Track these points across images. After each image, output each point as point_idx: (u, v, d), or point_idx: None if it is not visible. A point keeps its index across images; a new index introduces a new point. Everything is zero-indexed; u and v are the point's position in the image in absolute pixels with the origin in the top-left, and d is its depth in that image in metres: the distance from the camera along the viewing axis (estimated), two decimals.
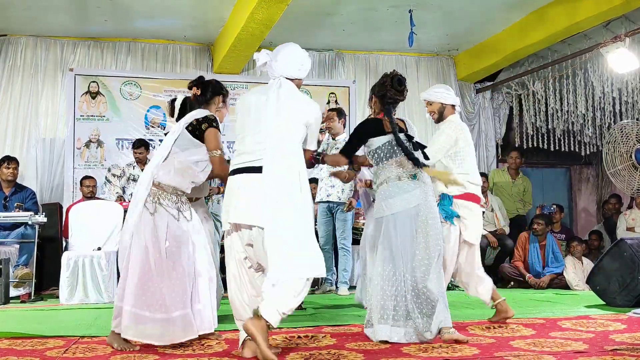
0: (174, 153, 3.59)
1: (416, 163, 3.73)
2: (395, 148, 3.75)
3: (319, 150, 6.05)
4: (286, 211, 3.11)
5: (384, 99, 3.87)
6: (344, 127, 6.33)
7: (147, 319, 3.41)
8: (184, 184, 3.62)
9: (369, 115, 4.20)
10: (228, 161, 3.67)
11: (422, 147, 3.84)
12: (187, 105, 3.98)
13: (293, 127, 3.28)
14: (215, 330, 3.71)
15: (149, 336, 3.42)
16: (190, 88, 3.84)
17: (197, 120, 3.62)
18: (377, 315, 3.63)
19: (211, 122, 3.61)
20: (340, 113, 6.24)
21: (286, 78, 3.41)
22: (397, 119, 3.88)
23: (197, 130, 3.60)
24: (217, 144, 3.58)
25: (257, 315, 3.03)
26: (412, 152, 3.74)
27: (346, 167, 4.26)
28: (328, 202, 6.40)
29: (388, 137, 3.78)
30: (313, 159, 3.69)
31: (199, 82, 3.84)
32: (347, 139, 4.10)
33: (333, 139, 6.23)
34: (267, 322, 3.01)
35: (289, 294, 3.07)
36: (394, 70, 3.97)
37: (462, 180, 4.16)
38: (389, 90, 3.84)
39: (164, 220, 3.53)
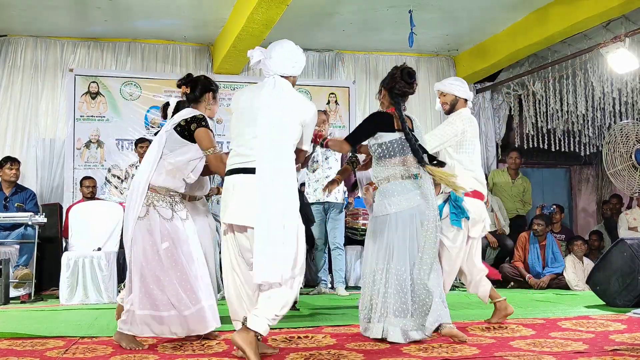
0: (165, 155, 3.59)
1: (421, 162, 3.69)
2: (404, 146, 3.73)
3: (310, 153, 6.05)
4: (275, 213, 3.07)
5: (392, 92, 3.81)
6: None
7: (160, 318, 3.46)
8: (176, 184, 3.63)
9: (379, 109, 4.13)
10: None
11: (424, 150, 3.79)
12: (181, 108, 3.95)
13: (288, 127, 3.22)
14: (215, 330, 3.72)
15: (164, 332, 3.49)
16: (179, 86, 3.82)
17: (185, 120, 3.60)
18: (370, 312, 3.67)
19: (200, 121, 3.59)
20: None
21: (281, 76, 3.33)
22: (405, 116, 3.82)
23: (185, 131, 3.58)
24: (209, 142, 3.56)
25: (244, 326, 3.02)
26: (419, 150, 3.72)
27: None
28: (325, 202, 6.39)
29: (397, 135, 3.75)
30: (317, 144, 3.68)
31: (188, 80, 3.81)
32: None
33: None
34: (255, 332, 3.01)
35: (277, 304, 3.07)
36: (404, 63, 3.90)
37: (464, 182, 4.12)
38: (399, 82, 3.78)
39: (157, 222, 3.53)
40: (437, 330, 3.61)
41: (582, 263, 7.17)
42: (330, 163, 6.41)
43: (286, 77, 3.34)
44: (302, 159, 3.46)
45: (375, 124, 3.85)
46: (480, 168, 4.36)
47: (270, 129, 3.17)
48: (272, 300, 3.07)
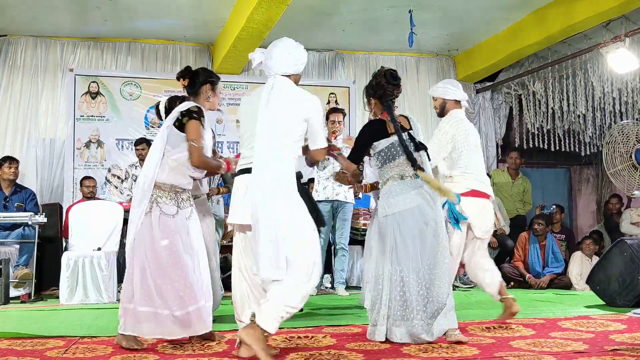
0: (167, 152, 3.58)
1: (414, 165, 3.70)
2: (399, 149, 3.72)
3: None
4: (269, 210, 3.06)
5: (383, 98, 3.83)
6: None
7: (155, 315, 3.44)
8: (181, 180, 3.61)
9: (369, 118, 4.19)
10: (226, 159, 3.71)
11: (424, 148, 3.80)
12: (176, 103, 3.88)
13: (288, 125, 3.21)
14: (215, 331, 3.71)
15: (155, 332, 3.46)
16: (178, 79, 3.80)
17: (181, 113, 3.60)
18: (375, 315, 3.64)
19: (191, 113, 3.58)
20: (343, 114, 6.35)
21: (282, 75, 3.34)
22: (400, 115, 3.85)
23: (181, 124, 3.57)
24: (195, 134, 3.53)
25: (253, 322, 3.04)
26: (412, 153, 3.71)
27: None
28: (334, 200, 6.36)
29: (392, 139, 3.74)
30: (329, 155, 3.67)
31: (186, 73, 3.79)
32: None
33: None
34: (263, 330, 3.02)
35: (289, 298, 3.06)
36: (382, 67, 3.91)
37: (460, 183, 4.18)
38: (387, 87, 3.80)
39: (158, 218, 3.52)
40: (443, 334, 3.55)
41: (591, 261, 7.13)
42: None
43: (287, 76, 3.34)
44: (317, 158, 3.43)
45: (368, 135, 3.85)
46: (479, 166, 4.36)
47: (268, 129, 3.17)
48: (285, 295, 3.05)
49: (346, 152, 4.23)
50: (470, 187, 4.26)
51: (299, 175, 3.22)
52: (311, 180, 6.50)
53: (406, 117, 3.89)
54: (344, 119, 6.36)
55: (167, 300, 3.45)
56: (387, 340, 3.56)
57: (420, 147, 3.77)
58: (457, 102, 4.47)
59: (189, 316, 3.46)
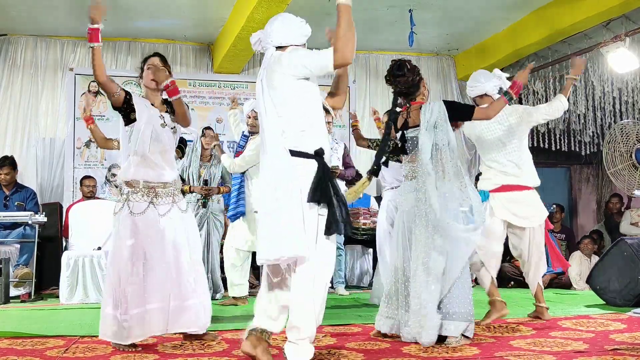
0: (131, 149, 3.62)
1: (373, 168, 3.68)
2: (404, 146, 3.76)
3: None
4: (266, 201, 2.97)
5: (395, 94, 3.77)
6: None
7: (105, 315, 3.47)
8: (150, 174, 3.59)
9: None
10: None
11: (402, 151, 3.73)
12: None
13: (286, 114, 2.99)
14: (212, 331, 3.71)
15: (107, 334, 3.45)
16: None
17: None
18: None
19: None
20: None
21: (276, 47, 3.14)
22: (415, 109, 3.72)
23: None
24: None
25: (256, 335, 3.03)
26: (386, 156, 3.73)
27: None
28: None
29: (398, 134, 3.80)
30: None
31: None
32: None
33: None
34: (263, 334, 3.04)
35: (306, 319, 2.93)
36: (392, 60, 3.82)
37: (489, 179, 4.29)
38: (394, 82, 3.72)
39: (127, 217, 3.57)
40: (444, 340, 3.48)
41: (590, 261, 7.12)
42: (333, 161, 6.36)
43: (283, 47, 3.15)
44: (341, 62, 3.16)
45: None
46: (501, 160, 4.40)
47: (263, 116, 3.07)
48: (303, 311, 2.91)
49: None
50: (500, 183, 4.32)
51: (319, 152, 2.94)
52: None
53: (420, 110, 3.70)
54: (332, 120, 6.25)
55: (120, 302, 3.43)
56: (387, 336, 3.64)
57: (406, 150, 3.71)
58: (485, 96, 4.37)
59: (132, 319, 3.40)
